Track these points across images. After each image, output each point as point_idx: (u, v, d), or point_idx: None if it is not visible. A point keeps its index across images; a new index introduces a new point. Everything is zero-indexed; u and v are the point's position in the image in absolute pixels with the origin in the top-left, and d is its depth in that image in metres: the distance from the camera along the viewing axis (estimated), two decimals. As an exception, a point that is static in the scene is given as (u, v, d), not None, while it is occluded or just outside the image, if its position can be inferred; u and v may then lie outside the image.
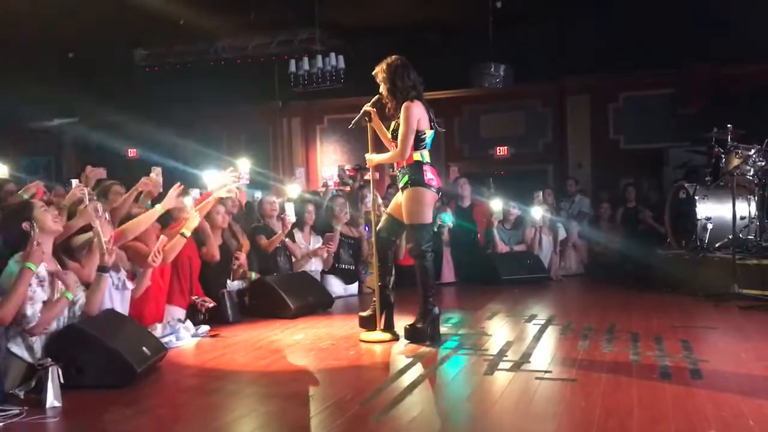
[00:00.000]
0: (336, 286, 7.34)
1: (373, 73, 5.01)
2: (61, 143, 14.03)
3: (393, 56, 4.97)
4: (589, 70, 11.02)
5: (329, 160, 12.81)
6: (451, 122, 11.69)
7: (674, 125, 10.65)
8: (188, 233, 5.10)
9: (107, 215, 4.38)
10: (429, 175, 4.85)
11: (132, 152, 13.28)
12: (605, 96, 11.47)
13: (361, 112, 5.10)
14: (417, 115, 4.81)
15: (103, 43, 11.26)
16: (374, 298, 5.08)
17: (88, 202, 4.35)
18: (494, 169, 11.64)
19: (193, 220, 5.11)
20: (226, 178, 5.71)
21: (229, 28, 11.42)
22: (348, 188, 9.33)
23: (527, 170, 11.70)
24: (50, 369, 3.49)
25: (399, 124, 4.85)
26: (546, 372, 3.94)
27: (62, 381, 3.53)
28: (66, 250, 4.22)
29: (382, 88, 4.97)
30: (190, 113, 12.76)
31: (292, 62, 10.93)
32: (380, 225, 5.10)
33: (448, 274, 8.27)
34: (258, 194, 8.28)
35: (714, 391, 3.50)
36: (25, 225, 3.73)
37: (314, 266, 7.27)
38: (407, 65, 4.92)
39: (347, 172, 10.01)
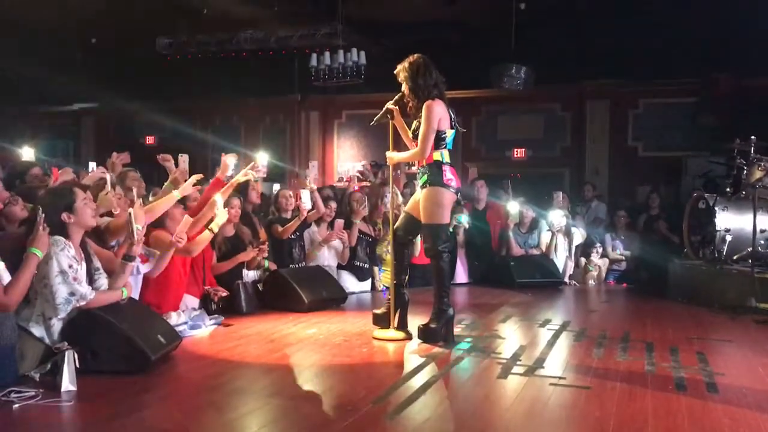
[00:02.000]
0: (349, 282, 7.33)
1: (395, 71, 4.99)
2: (81, 128, 14.12)
3: (415, 55, 4.94)
4: (610, 76, 10.96)
5: (346, 155, 12.81)
6: (468, 122, 11.65)
7: (694, 134, 10.58)
8: (216, 229, 5.19)
9: (141, 202, 4.39)
10: (448, 175, 4.82)
11: (150, 139, 13.33)
12: (625, 102, 11.40)
13: (383, 109, 5.07)
14: (438, 114, 4.79)
15: (126, 30, 11.31)
16: (388, 296, 5.07)
17: (110, 189, 4.37)
18: (511, 171, 11.58)
19: (220, 217, 5.15)
20: (231, 161, 5.68)
21: (251, 19, 11.44)
22: (368, 183, 9.31)
23: (544, 173, 11.66)
24: (66, 353, 3.50)
25: (420, 123, 4.83)
26: (560, 378, 3.91)
27: (78, 365, 3.55)
28: (97, 237, 4.23)
29: (404, 87, 4.95)
30: (210, 103, 12.80)
31: (314, 56, 10.94)
32: (398, 223, 5.08)
33: (462, 274, 8.26)
34: (276, 186, 8.27)
35: (730, 406, 3.46)
36: (64, 217, 3.72)
37: (328, 261, 7.27)
38: (429, 64, 4.89)
39: (366, 169, 10.01)
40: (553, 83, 11.34)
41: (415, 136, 4.89)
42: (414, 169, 5.14)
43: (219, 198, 5.29)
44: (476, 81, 11.27)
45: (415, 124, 4.94)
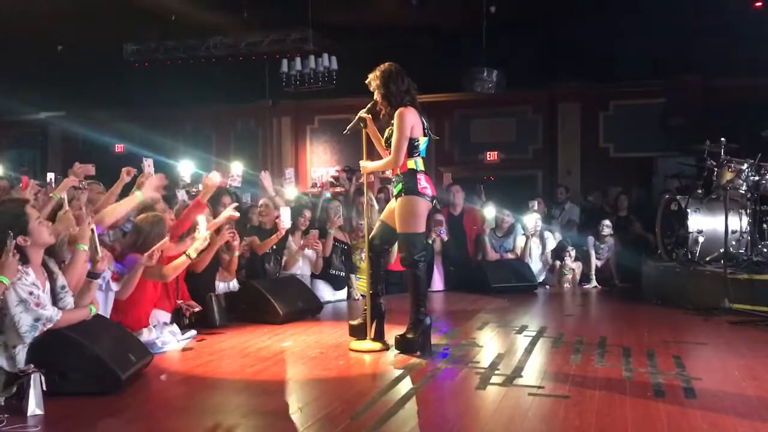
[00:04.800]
0: (325, 291, 7.25)
1: (366, 81, 4.94)
2: (48, 137, 13.87)
3: (386, 63, 4.90)
4: (581, 79, 11.03)
5: (319, 160, 12.74)
6: (441, 126, 11.66)
7: (664, 135, 10.69)
8: (194, 255, 5.01)
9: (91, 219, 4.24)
10: (423, 183, 4.78)
11: (119, 148, 13.13)
12: (596, 104, 11.50)
13: (356, 118, 5.02)
14: (410, 121, 4.75)
15: (93, 36, 11.10)
16: (365, 307, 5.01)
17: (67, 208, 4.25)
18: (484, 174, 11.63)
19: (200, 241, 5.02)
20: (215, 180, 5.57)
21: (221, 25, 11.31)
22: (341, 189, 9.24)
23: (517, 176, 11.73)
24: (32, 375, 3.39)
25: (393, 131, 4.78)
26: (539, 388, 3.88)
27: (45, 388, 3.43)
28: (49, 252, 4.10)
29: (377, 95, 4.90)
30: (180, 110, 12.63)
31: (284, 62, 10.85)
32: (373, 232, 5.02)
33: (438, 282, 8.22)
34: (247, 196, 8.16)
35: (709, 411, 3.45)
36: (19, 240, 3.57)
37: (302, 270, 7.18)
38: (400, 71, 4.86)
39: (338, 173, 9.96)
40: (524, 86, 11.39)
41: (388, 145, 4.84)
42: (388, 174, 5.08)
43: (202, 220, 5.12)
44: (448, 85, 11.28)
45: (387, 132, 4.89)
